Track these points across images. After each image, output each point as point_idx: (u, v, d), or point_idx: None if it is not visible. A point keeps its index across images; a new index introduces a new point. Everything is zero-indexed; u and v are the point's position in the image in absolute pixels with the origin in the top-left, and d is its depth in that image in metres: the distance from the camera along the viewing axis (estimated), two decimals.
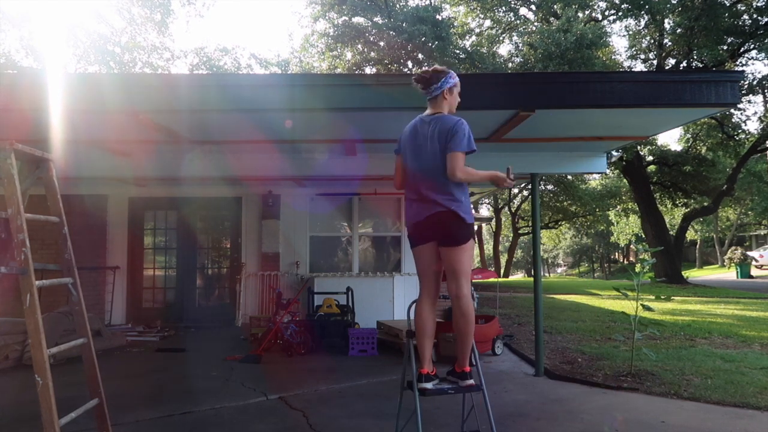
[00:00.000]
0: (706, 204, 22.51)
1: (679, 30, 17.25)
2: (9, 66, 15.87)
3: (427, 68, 3.28)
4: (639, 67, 20.78)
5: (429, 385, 3.10)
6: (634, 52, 20.56)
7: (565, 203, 27.60)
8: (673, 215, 31.08)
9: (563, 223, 32.84)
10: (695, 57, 18.21)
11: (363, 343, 6.88)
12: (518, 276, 41.88)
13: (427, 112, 3.26)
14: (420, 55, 16.93)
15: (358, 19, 17.92)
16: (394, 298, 8.65)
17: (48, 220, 2.85)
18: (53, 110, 4.04)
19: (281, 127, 4.87)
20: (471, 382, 3.17)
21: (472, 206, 3.62)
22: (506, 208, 32.48)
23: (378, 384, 5.40)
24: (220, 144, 5.73)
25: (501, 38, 21.33)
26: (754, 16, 17.44)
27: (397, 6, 17.92)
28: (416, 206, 3.18)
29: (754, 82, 18.46)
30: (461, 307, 3.13)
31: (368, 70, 18.44)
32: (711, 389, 5.00)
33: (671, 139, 75.44)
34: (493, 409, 3.27)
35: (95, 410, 2.90)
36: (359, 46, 18.14)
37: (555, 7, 18.26)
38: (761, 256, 29.90)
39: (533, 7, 19.96)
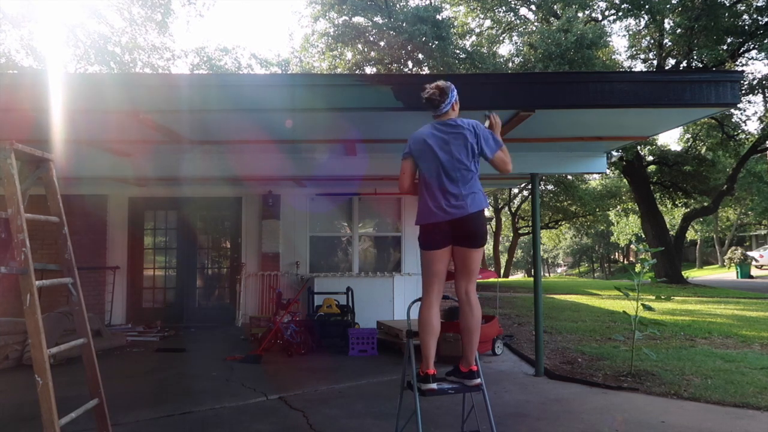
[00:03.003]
0: (706, 204, 22.50)
1: (679, 30, 17.24)
2: (9, 66, 15.85)
3: (431, 87, 3.24)
4: (639, 67, 20.80)
5: (435, 386, 3.13)
6: (634, 52, 20.57)
7: (565, 203, 27.58)
8: (673, 215, 31.09)
9: (563, 223, 32.82)
10: (695, 57, 18.21)
11: (363, 343, 6.88)
12: (518, 276, 41.87)
13: (439, 119, 3.29)
14: (420, 55, 16.91)
15: (358, 19, 17.89)
16: (394, 298, 8.65)
17: (48, 220, 2.85)
18: (54, 110, 4.03)
19: (282, 127, 4.87)
20: (478, 381, 3.21)
21: None
22: (506, 208, 32.47)
23: (378, 384, 5.40)
24: (221, 144, 5.73)
25: (501, 38, 21.32)
26: (754, 16, 17.45)
27: (397, 6, 17.89)
28: (447, 207, 3.13)
29: (754, 82, 18.47)
30: (472, 304, 3.24)
31: (368, 70, 18.41)
32: (711, 389, 5.01)
33: (671, 139, 75.49)
34: (494, 409, 3.27)
35: (95, 410, 2.90)
36: (359, 46, 18.11)
37: (555, 7, 18.26)
38: (761, 256, 29.88)
39: (533, 7, 19.95)
